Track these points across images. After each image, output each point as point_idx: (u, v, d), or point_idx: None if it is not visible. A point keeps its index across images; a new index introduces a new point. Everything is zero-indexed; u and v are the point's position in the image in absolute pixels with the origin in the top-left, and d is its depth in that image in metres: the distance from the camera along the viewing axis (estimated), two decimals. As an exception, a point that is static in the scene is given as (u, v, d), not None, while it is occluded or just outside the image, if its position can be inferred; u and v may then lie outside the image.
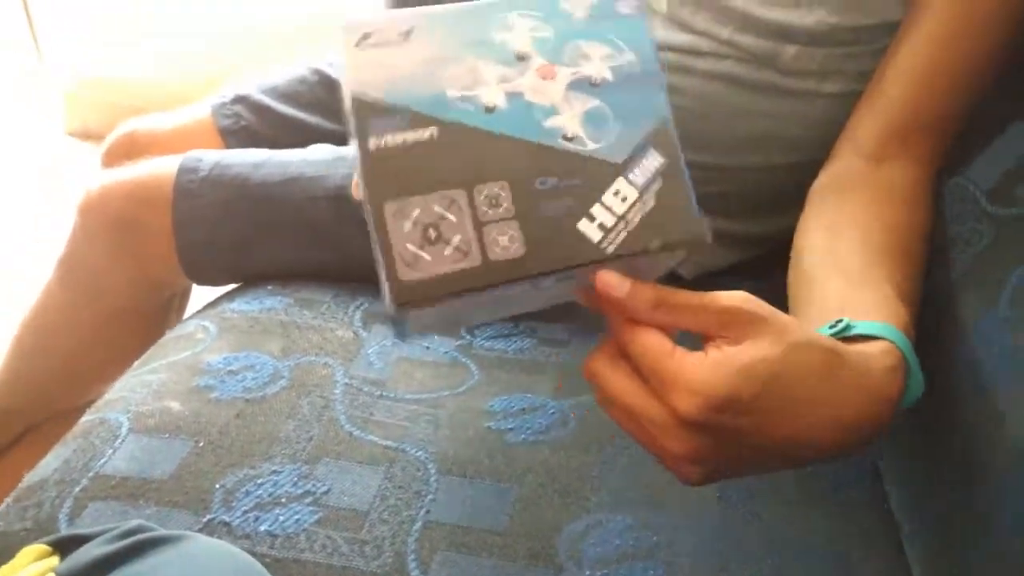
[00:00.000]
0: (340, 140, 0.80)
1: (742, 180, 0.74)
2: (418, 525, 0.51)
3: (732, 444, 0.39)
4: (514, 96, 0.39)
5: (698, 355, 0.38)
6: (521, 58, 0.39)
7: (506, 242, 0.37)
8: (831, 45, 0.66)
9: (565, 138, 0.38)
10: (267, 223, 0.74)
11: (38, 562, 0.41)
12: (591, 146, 0.39)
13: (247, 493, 0.52)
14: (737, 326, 0.38)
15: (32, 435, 0.89)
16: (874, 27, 0.64)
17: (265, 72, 0.93)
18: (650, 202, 0.38)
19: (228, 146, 0.88)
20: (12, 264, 1.51)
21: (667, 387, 0.37)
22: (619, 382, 0.39)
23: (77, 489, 0.52)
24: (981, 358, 0.50)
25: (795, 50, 0.66)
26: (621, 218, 0.38)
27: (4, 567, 0.41)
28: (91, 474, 0.53)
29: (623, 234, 0.38)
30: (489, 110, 0.38)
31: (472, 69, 0.39)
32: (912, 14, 0.61)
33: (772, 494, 0.55)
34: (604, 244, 0.38)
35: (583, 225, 0.38)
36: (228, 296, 0.74)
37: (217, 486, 0.53)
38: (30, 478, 0.55)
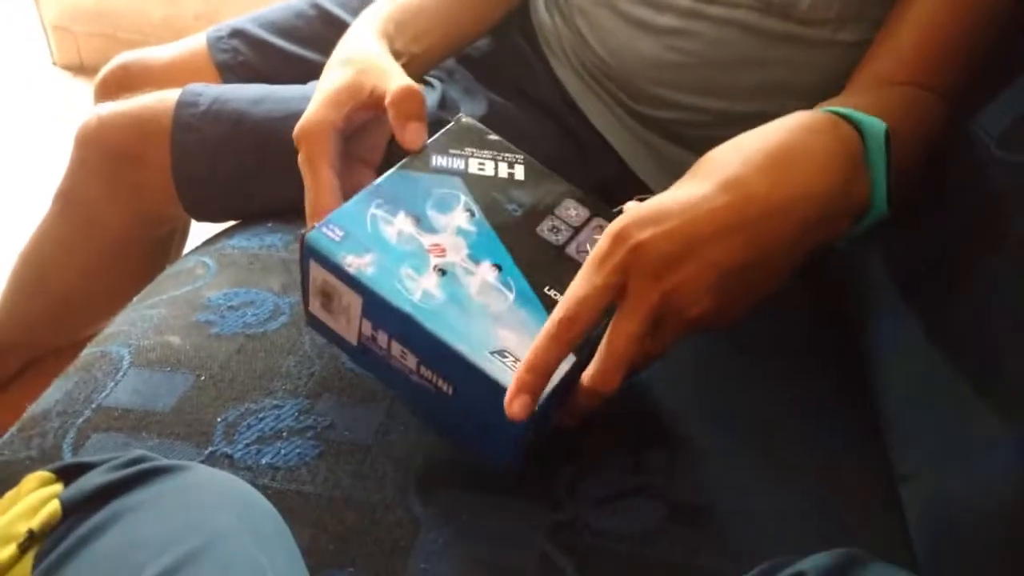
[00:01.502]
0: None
1: (750, 127, 0.73)
2: (419, 461, 0.52)
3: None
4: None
5: None
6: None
7: None
8: None
9: None
10: (266, 159, 0.73)
11: (42, 489, 0.41)
12: None
13: (249, 427, 0.53)
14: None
15: (32, 370, 0.89)
16: None
17: (261, 5, 0.91)
18: None
19: (225, 81, 0.86)
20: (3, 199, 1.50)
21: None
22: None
23: (80, 420, 0.53)
24: (987, 299, 0.50)
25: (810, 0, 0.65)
26: None
27: (9, 493, 0.42)
28: (93, 406, 0.54)
29: None
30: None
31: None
32: None
33: (764, 434, 0.56)
34: None
35: None
36: (227, 232, 0.74)
37: (219, 419, 0.53)
38: (33, 409, 0.55)
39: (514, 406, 0.42)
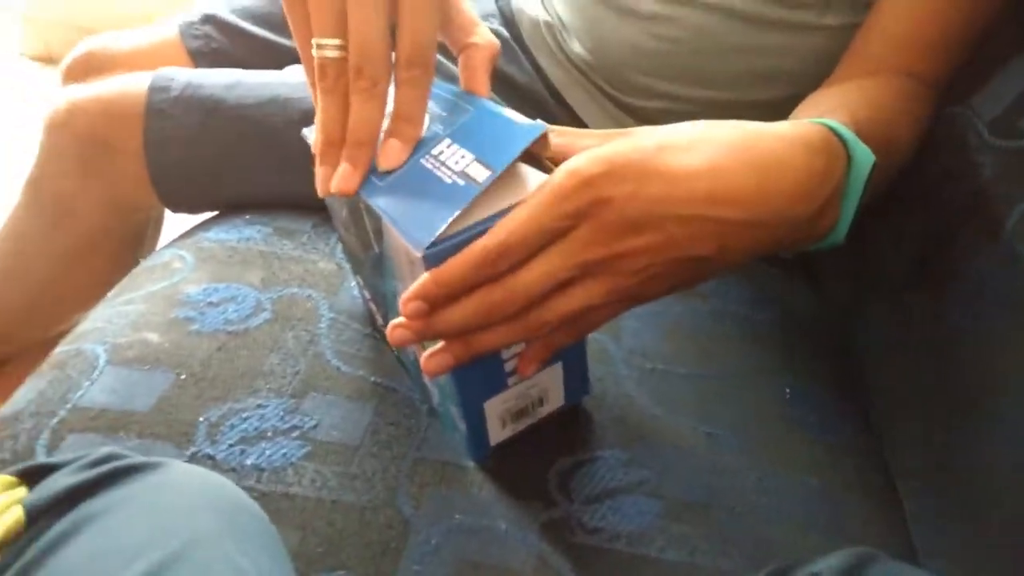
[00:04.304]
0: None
1: (736, 115, 0.72)
2: (408, 461, 0.50)
3: (651, 220, 0.39)
4: None
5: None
6: None
7: None
8: None
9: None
10: (243, 146, 0.71)
11: (4, 493, 0.38)
12: None
13: (232, 427, 0.51)
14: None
15: (2, 370, 0.86)
16: None
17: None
18: None
19: (198, 68, 0.84)
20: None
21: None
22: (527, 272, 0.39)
23: (54, 421, 0.51)
24: (981, 292, 0.50)
25: None
26: None
27: None
28: (68, 406, 0.52)
29: None
30: None
31: None
32: None
33: (760, 430, 0.55)
34: None
35: None
36: (204, 225, 0.72)
37: (201, 419, 0.51)
38: (4, 411, 0.53)
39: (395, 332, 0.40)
